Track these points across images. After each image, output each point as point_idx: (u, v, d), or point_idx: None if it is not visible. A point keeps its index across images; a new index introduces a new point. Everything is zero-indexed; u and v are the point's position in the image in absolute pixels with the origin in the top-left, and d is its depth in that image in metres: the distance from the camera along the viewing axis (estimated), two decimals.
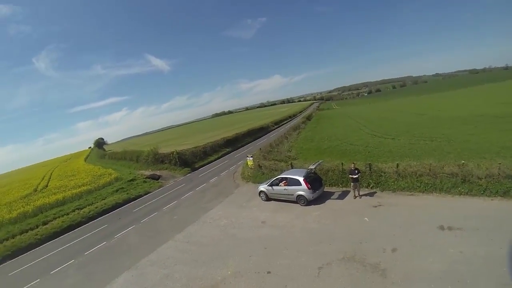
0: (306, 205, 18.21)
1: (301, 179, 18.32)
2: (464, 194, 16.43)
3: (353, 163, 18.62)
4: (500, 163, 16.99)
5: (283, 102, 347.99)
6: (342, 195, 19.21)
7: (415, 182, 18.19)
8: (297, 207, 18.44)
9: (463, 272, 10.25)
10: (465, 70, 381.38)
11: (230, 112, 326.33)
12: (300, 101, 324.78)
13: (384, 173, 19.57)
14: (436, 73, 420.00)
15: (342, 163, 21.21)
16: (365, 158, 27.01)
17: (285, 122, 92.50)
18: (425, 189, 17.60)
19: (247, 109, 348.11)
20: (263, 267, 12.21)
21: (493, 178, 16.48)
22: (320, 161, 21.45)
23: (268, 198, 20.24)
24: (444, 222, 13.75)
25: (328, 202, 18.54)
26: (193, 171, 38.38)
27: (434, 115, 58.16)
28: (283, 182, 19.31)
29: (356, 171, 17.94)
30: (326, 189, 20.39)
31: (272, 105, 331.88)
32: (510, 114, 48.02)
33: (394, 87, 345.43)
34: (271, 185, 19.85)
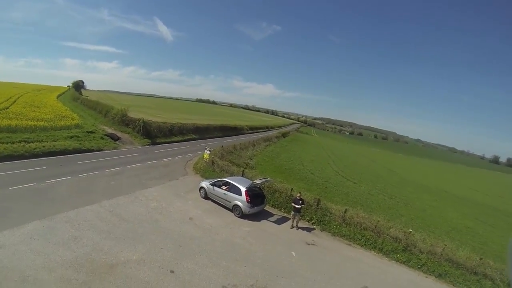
0: (240, 217, 17.76)
1: (243, 189, 17.91)
2: (401, 262, 16.10)
3: (299, 192, 18.38)
4: (446, 245, 16.99)
5: (267, 112, 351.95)
6: (280, 221, 18.72)
7: (358, 233, 17.78)
8: (230, 216, 18.02)
9: None
10: (445, 146, 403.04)
11: (214, 103, 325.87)
12: (284, 117, 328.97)
13: (330, 213, 19.10)
14: (418, 139, 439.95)
15: (292, 189, 21.06)
16: (320, 191, 26.82)
17: (261, 131, 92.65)
18: (365, 244, 17.18)
19: (231, 106, 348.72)
20: (169, 264, 11.66)
21: (434, 256, 16.40)
22: (268, 178, 20.98)
23: (206, 197, 19.83)
24: (371, 284, 13.20)
25: (264, 222, 18.08)
26: (152, 144, 38.10)
27: (403, 176, 59.79)
28: (225, 186, 18.93)
29: (301, 201, 17.47)
30: (268, 209, 20.07)
31: (256, 111, 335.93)
32: (470, 199, 50.53)
33: (375, 137, 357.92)
34: (213, 184, 19.45)
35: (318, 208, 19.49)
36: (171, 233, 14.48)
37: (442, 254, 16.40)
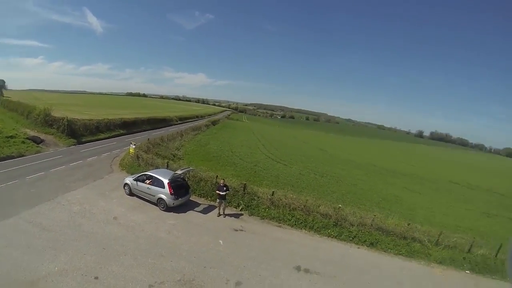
0: (166, 210, 17.38)
1: (165, 181, 17.56)
2: (333, 237, 16.51)
3: (223, 179, 18.17)
4: (375, 215, 17.89)
5: (198, 101, 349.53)
6: (207, 210, 18.41)
7: (287, 214, 17.86)
8: (156, 210, 17.60)
9: None
10: (374, 124, 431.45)
11: (144, 96, 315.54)
12: (215, 105, 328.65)
13: (258, 197, 19.02)
14: (349, 119, 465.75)
15: (217, 176, 20.68)
16: (249, 176, 26.84)
17: (191, 120, 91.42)
18: (295, 224, 17.29)
19: (162, 97, 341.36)
20: (92, 271, 11.10)
21: (365, 228, 17.18)
22: (190, 167, 20.58)
23: (131, 193, 19.26)
24: (303, 263, 13.33)
25: (190, 213, 17.70)
26: (78, 144, 35.93)
27: (334, 154, 62.70)
28: (148, 180, 18.51)
29: (225, 188, 17.30)
30: (194, 199, 19.73)
31: (187, 101, 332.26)
32: (398, 171, 54.51)
33: (307, 119, 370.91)
34: (136, 180, 18.97)
35: (245, 193, 19.27)
36: (94, 236, 13.64)
37: (372, 225, 17.23)
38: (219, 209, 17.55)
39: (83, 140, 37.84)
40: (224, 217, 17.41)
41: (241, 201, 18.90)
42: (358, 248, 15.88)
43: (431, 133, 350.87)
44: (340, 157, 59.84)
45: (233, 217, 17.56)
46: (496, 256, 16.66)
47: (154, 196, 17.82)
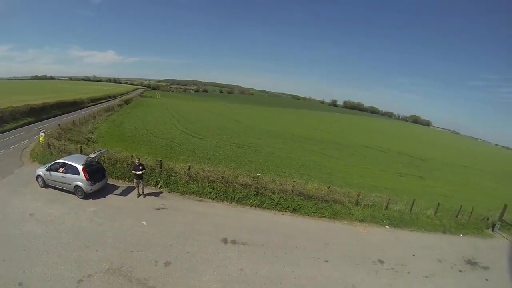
0: (84, 198, 16.50)
1: (79, 167, 16.59)
2: (255, 206, 16.98)
3: (138, 158, 17.65)
4: (294, 181, 18.63)
5: (109, 80, 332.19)
6: (126, 191, 17.72)
7: (206, 187, 17.91)
8: (74, 198, 16.44)
9: None
10: (289, 94, 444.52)
11: (52, 78, 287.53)
12: (126, 83, 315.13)
13: (175, 173, 18.76)
14: (263, 90, 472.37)
15: (132, 156, 19.78)
16: (165, 153, 26.39)
17: (104, 101, 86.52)
18: (216, 196, 17.44)
19: (71, 79, 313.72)
20: (15, 277, 10.22)
21: (286, 194, 17.91)
22: (103, 150, 19.50)
23: (45, 185, 17.75)
24: (229, 235, 13.54)
25: (109, 197, 16.95)
26: None
27: (250, 125, 63.79)
28: (62, 168, 17.26)
29: (141, 167, 16.80)
30: (112, 182, 18.93)
31: (98, 81, 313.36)
32: (314, 138, 57.53)
33: (221, 92, 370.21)
34: (49, 170, 17.48)
35: (161, 170, 18.86)
36: (11, 239, 12.36)
37: (293, 191, 18.02)
38: (138, 189, 17.03)
39: None
40: (144, 197, 16.94)
41: (159, 179, 18.48)
42: (282, 214, 16.54)
43: (344, 102, 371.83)
44: (256, 127, 61.15)
45: (153, 196, 17.14)
46: (410, 210, 18.77)
47: (70, 184, 16.75)
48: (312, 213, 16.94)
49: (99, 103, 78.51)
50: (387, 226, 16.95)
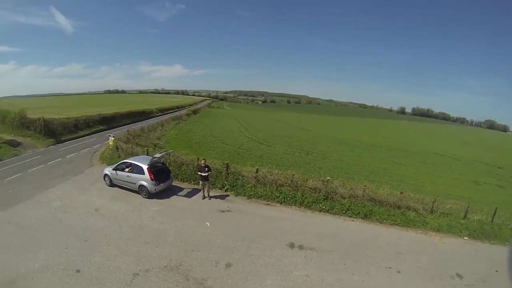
0: (148, 197, 16.87)
1: (145, 167, 16.97)
2: (325, 212, 16.06)
3: (204, 159, 17.69)
4: (365, 186, 17.45)
5: (177, 93, 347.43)
6: (191, 193, 17.80)
7: (274, 191, 17.34)
8: (138, 198, 16.99)
9: None
10: (356, 103, 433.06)
11: (123, 92, 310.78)
12: (194, 95, 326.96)
13: (242, 176, 18.46)
14: (330, 99, 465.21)
15: (198, 158, 20.03)
16: (232, 158, 26.42)
17: (171, 111, 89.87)
18: (284, 201, 16.81)
19: (140, 92, 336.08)
20: (74, 264, 10.70)
21: (357, 199, 16.75)
22: (169, 151, 19.98)
23: (112, 184, 18.67)
24: (296, 239, 12.84)
25: (173, 198, 17.13)
26: (57, 143, 34.87)
27: (318, 133, 62.89)
28: (128, 168, 17.91)
29: (206, 168, 16.68)
30: (177, 184, 19.16)
31: (166, 93, 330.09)
32: (383, 145, 54.89)
33: (288, 102, 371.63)
34: (115, 169, 18.34)
35: (228, 174, 18.67)
36: (76, 230, 13.13)
37: (363, 196, 16.80)
38: (203, 192, 16.96)
39: (62, 139, 37.00)
40: (209, 199, 16.79)
41: (226, 182, 18.30)
42: (352, 221, 15.49)
43: (413, 109, 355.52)
44: (324, 135, 59.96)
45: (218, 199, 16.97)
46: (492, 221, 16.47)
47: (135, 183, 17.22)
48: (384, 220, 15.62)
49: (167, 113, 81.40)
50: (466, 238, 14.96)
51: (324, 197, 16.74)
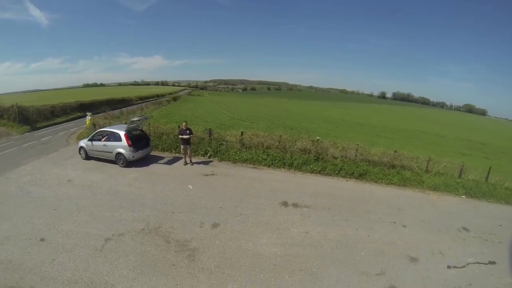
0: (126, 166, 15.60)
1: (122, 133, 15.73)
2: (316, 173, 14.93)
3: (185, 121, 16.40)
4: (358, 144, 16.50)
5: (157, 84, 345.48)
6: (172, 161, 16.63)
7: (261, 154, 16.12)
8: (115, 167, 15.68)
9: (308, 258, 8.17)
10: (336, 89, 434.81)
11: (102, 85, 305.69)
12: (174, 85, 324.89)
13: (226, 142, 17.25)
14: (311, 86, 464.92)
15: (178, 126, 18.52)
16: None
17: (152, 99, 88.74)
18: (272, 163, 15.60)
19: (120, 84, 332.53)
20: (39, 233, 9.69)
21: (350, 159, 15.77)
22: (145, 116, 18.81)
23: (88, 157, 17.29)
24: (289, 198, 11.69)
25: (153, 166, 15.87)
26: (33, 130, 33.54)
27: (300, 113, 62.09)
28: (104, 136, 16.62)
29: (188, 131, 15.41)
30: (157, 153, 18.04)
31: (146, 84, 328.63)
32: (367, 124, 54.62)
33: (269, 89, 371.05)
34: (91, 140, 16.92)
35: (211, 140, 17.45)
36: (44, 200, 11.95)
37: (356, 155, 15.84)
38: (185, 158, 15.67)
39: (38, 126, 35.55)
40: (192, 165, 15.50)
41: (209, 148, 17.00)
42: (347, 181, 14.51)
43: (394, 94, 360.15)
44: (308, 116, 59.32)
45: (202, 164, 15.71)
46: (486, 180, 15.86)
47: (112, 152, 15.95)
48: (379, 180, 14.66)
49: (147, 101, 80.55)
50: (463, 196, 14.23)
51: (315, 157, 15.65)
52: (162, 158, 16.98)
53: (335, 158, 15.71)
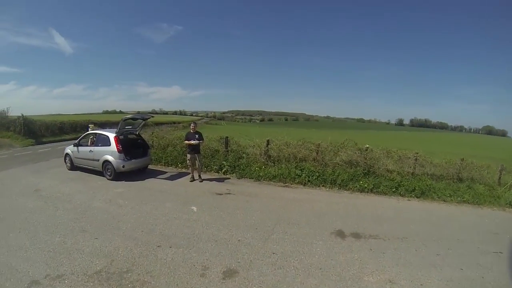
0: (114, 178, 11.76)
1: (111, 135, 12.11)
2: (368, 191, 11.04)
3: (194, 122, 13.29)
4: (417, 153, 12.83)
5: (175, 113, 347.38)
6: (176, 176, 12.76)
7: (293, 169, 12.27)
8: (101, 179, 12.04)
9: None
10: (353, 118, 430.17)
11: (121, 112, 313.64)
12: (192, 115, 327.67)
13: (247, 154, 13.68)
14: (328, 116, 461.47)
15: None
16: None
17: (167, 124, 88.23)
18: (309, 180, 11.71)
19: (138, 112, 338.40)
20: None
21: (408, 172, 12.19)
22: (146, 116, 14.46)
23: (73, 166, 13.74)
24: (344, 225, 7.70)
25: (150, 180, 12.04)
26: (38, 144, 31.22)
27: (321, 138, 58.23)
28: (90, 140, 13.01)
29: (197, 135, 11.74)
30: (159, 168, 14.38)
31: (164, 113, 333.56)
32: (391, 147, 50.45)
33: (286, 120, 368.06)
34: (77, 145, 13.44)
35: (228, 151, 13.83)
36: None
37: (415, 167, 12.16)
38: (192, 172, 11.80)
39: (44, 140, 33.46)
40: (201, 181, 11.60)
41: (224, 162, 13.20)
42: (409, 200, 10.62)
43: (411, 120, 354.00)
44: (328, 140, 55.81)
45: (214, 181, 11.78)
46: None
47: (98, 160, 12.17)
48: (449, 197, 10.79)
49: (162, 125, 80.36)
50: None
51: (364, 171, 11.80)
52: (164, 173, 13.36)
53: (390, 171, 11.86)
